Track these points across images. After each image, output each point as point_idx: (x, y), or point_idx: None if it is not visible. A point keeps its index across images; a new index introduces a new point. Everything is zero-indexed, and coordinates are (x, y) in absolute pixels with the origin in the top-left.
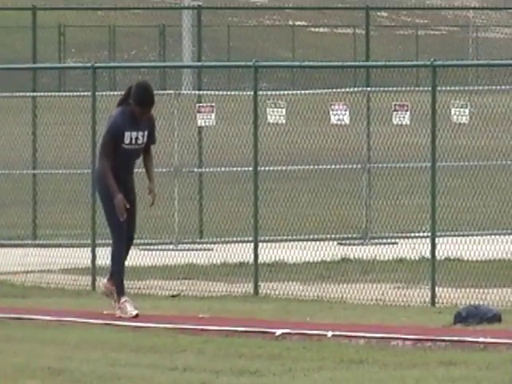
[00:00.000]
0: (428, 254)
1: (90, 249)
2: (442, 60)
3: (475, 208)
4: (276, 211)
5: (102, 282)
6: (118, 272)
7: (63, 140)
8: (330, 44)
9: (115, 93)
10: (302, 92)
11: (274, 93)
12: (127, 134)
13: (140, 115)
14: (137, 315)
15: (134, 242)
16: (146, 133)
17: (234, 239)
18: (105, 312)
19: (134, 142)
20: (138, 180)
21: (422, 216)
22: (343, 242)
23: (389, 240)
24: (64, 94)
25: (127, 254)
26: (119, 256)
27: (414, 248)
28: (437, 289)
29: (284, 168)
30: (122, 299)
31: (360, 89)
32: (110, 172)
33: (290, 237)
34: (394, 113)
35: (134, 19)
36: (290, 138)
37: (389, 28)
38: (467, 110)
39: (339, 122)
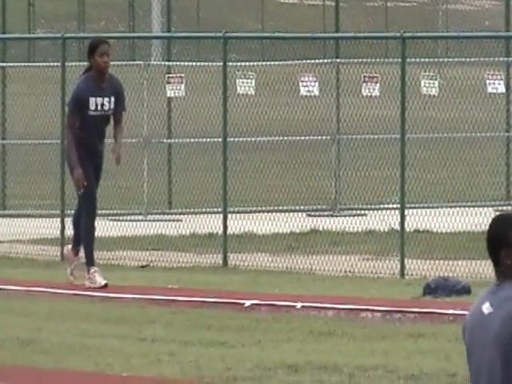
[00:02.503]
0: (397, 226)
1: (59, 219)
2: (412, 32)
3: (444, 180)
4: (245, 182)
5: (67, 247)
6: (87, 242)
7: (33, 111)
8: (300, 15)
9: (84, 63)
10: (272, 63)
11: (243, 64)
12: (92, 100)
13: (101, 61)
14: (106, 285)
15: (103, 212)
16: (112, 99)
17: (203, 210)
18: (74, 283)
19: (99, 108)
20: (107, 151)
21: (391, 188)
22: (312, 213)
23: (358, 212)
24: (33, 64)
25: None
26: (88, 226)
27: (383, 220)
28: (406, 261)
29: (253, 139)
30: (92, 269)
31: (329, 60)
32: (74, 142)
33: (259, 208)
34: (364, 84)
35: None
36: (259, 109)
37: (358, 0)
38: (437, 82)
39: (308, 94)
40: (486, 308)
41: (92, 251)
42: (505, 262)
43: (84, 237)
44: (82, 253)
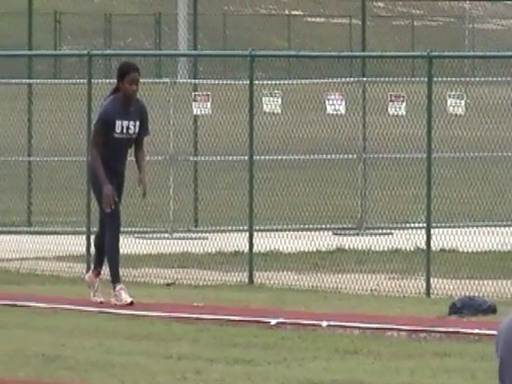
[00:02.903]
0: (423, 245)
1: (84, 236)
2: (438, 51)
3: (470, 199)
4: (271, 200)
5: (87, 274)
6: (112, 259)
7: (58, 127)
8: (326, 34)
9: (110, 80)
10: (298, 81)
11: (269, 82)
12: (118, 123)
13: (130, 87)
14: (131, 303)
15: (129, 229)
16: (137, 123)
17: (229, 228)
18: (99, 300)
19: (125, 131)
20: (131, 169)
21: (418, 207)
22: (338, 231)
23: (384, 230)
24: (59, 81)
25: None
26: (112, 243)
27: (409, 238)
28: (432, 280)
29: (279, 157)
30: (117, 286)
31: (356, 79)
32: (101, 161)
33: (285, 226)
34: (390, 103)
35: (129, 7)
36: (285, 127)
37: (385, 18)
38: (463, 101)
39: (335, 112)
40: None
41: (117, 268)
42: None
43: (109, 254)
44: (104, 271)
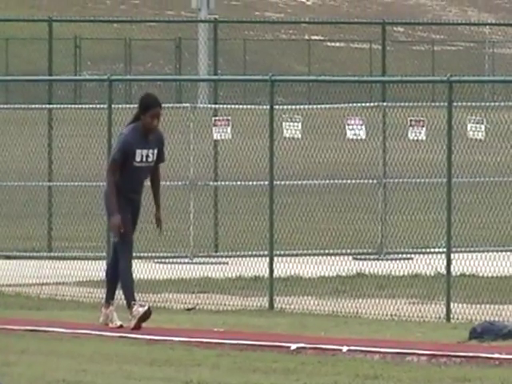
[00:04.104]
0: (443, 270)
1: (105, 261)
2: (458, 76)
3: (491, 224)
4: (291, 225)
5: (102, 312)
6: (125, 282)
7: (79, 152)
8: (346, 59)
9: (131, 106)
10: (318, 106)
11: (289, 107)
12: (138, 152)
13: (151, 122)
14: (121, 326)
15: (150, 254)
16: (155, 151)
17: (250, 253)
18: (119, 323)
19: (144, 159)
20: (149, 194)
21: (438, 231)
22: (358, 256)
23: (404, 255)
24: (80, 106)
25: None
26: (125, 267)
27: (429, 263)
28: (452, 304)
29: (300, 182)
30: (134, 307)
31: (376, 104)
32: (115, 190)
33: (305, 251)
34: (410, 128)
35: (150, 32)
36: (305, 152)
37: (405, 43)
38: (483, 126)
39: (355, 137)
40: None
41: (132, 293)
42: None
43: (122, 278)
44: (117, 295)
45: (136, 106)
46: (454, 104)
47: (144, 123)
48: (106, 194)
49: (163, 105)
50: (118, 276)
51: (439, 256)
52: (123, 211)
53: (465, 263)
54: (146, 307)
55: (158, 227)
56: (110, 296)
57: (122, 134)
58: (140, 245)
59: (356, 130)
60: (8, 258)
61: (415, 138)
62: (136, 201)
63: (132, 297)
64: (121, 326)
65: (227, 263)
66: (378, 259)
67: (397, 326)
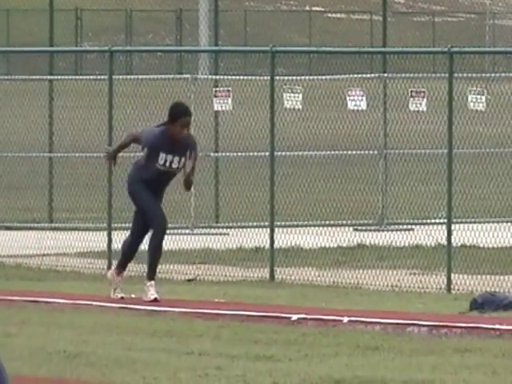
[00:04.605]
0: (444, 241)
1: (105, 232)
2: (459, 47)
3: (491, 195)
4: (292, 197)
5: (110, 271)
6: (154, 258)
7: (80, 124)
8: (347, 30)
9: (131, 77)
10: (319, 77)
11: (290, 78)
12: (162, 156)
13: (180, 132)
14: (156, 299)
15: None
16: (182, 159)
17: (250, 224)
18: (120, 295)
19: (167, 164)
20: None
21: (439, 203)
22: (359, 227)
23: (405, 226)
24: (81, 77)
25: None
26: (157, 243)
27: (430, 235)
28: (453, 275)
29: (300, 153)
30: (148, 283)
31: (377, 75)
32: (123, 145)
33: (306, 222)
34: (411, 99)
35: (150, 3)
36: (306, 123)
37: (406, 14)
38: (484, 97)
39: (356, 108)
40: None
41: (155, 268)
42: None
43: (153, 252)
44: (128, 267)
45: (137, 77)
46: (455, 75)
47: (173, 132)
48: (130, 179)
49: (164, 76)
50: (135, 251)
51: (440, 227)
52: (146, 190)
53: (465, 234)
54: (154, 297)
55: (187, 185)
56: (122, 267)
57: (148, 132)
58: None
59: (357, 101)
60: (9, 229)
61: (416, 109)
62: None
63: (153, 275)
64: (122, 298)
65: (228, 234)
66: (378, 230)
67: (397, 296)
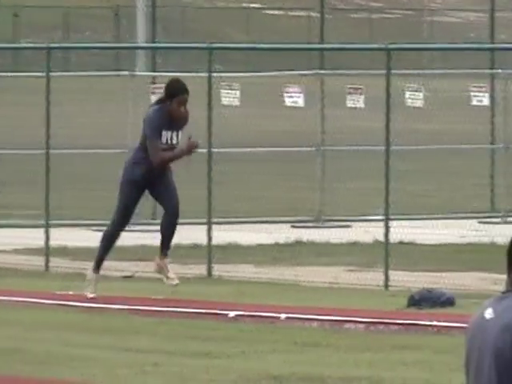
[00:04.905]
0: (381, 238)
1: (43, 229)
2: (397, 43)
3: (429, 192)
4: (230, 193)
5: (156, 261)
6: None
7: (17, 120)
8: (285, 27)
9: (69, 73)
10: (257, 74)
11: (228, 75)
12: (163, 134)
13: (177, 109)
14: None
15: (88, 222)
16: (179, 133)
17: (188, 221)
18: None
19: (168, 141)
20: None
21: (376, 199)
22: (297, 224)
23: (342, 223)
24: (18, 74)
25: (174, 228)
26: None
27: (367, 231)
28: (390, 272)
29: (238, 150)
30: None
31: (314, 71)
32: (164, 155)
33: (243, 219)
34: (348, 96)
35: (88, 0)
36: (244, 120)
37: (343, 11)
38: (421, 94)
39: (293, 105)
40: (488, 313)
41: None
42: None
43: (166, 231)
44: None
45: (74, 73)
46: (393, 72)
47: (170, 109)
48: (128, 166)
49: (102, 72)
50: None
51: (377, 224)
52: (135, 192)
53: (403, 231)
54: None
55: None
56: (164, 248)
57: (148, 115)
58: (78, 212)
59: (294, 98)
60: None
61: (353, 106)
62: (159, 177)
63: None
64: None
65: None
66: (316, 227)
67: (335, 293)
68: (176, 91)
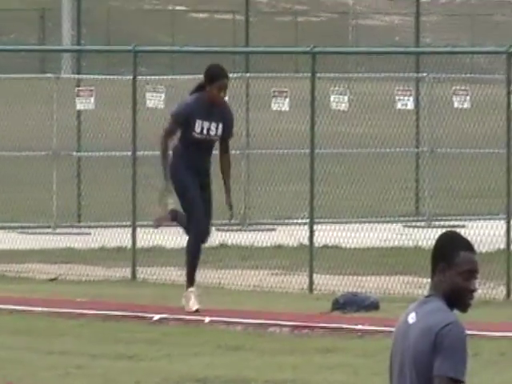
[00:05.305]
0: (306, 241)
1: None
2: (322, 47)
3: (353, 195)
4: (153, 196)
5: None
6: (193, 262)
7: None
8: (210, 29)
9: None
10: (182, 77)
11: (153, 77)
12: (199, 123)
13: (217, 94)
14: (197, 310)
15: (13, 224)
16: (219, 125)
17: (112, 224)
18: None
19: (205, 132)
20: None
21: (301, 203)
22: (222, 227)
23: (267, 226)
24: None
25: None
26: (195, 248)
27: (292, 235)
28: (315, 276)
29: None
30: (190, 289)
31: (239, 74)
32: (166, 155)
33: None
34: (273, 99)
35: (14, 2)
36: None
37: (268, 14)
38: (346, 97)
39: None
40: (411, 318)
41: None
42: (438, 276)
43: (190, 256)
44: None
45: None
46: (318, 75)
47: (210, 95)
48: (172, 172)
49: (27, 75)
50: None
51: (302, 227)
52: (192, 186)
53: (327, 234)
54: (195, 308)
55: (231, 211)
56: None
57: (184, 101)
58: (2, 215)
59: None
60: None
61: (278, 109)
62: (203, 178)
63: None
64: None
65: (90, 234)
66: (241, 230)
67: (259, 296)
68: (216, 76)
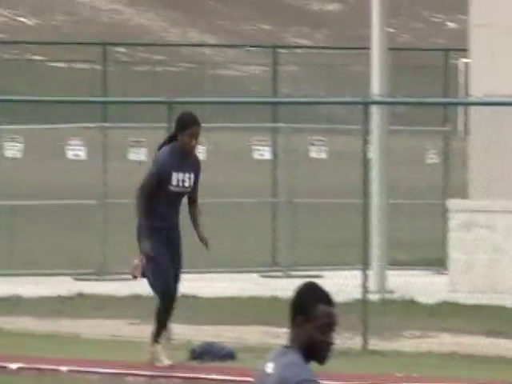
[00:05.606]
0: None
1: None
2: (180, 96)
3: (211, 245)
4: (9, 245)
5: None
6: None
7: None
8: (68, 79)
9: None
10: (40, 126)
11: (11, 127)
12: (174, 175)
13: (189, 142)
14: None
15: None
16: (192, 175)
17: None
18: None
19: (180, 184)
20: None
21: None
22: (79, 277)
23: (124, 276)
24: None
25: (175, 290)
26: (165, 316)
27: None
28: (172, 325)
29: (20, 203)
30: (158, 345)
31: (97, 124)
32: (145, 216)
33: (24, 271)
34: (131, 149)
35: None
36: (27, 172)
37: (127, 64)
38: (204, 147)
39: (76, 158)
40: (270, 368)
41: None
42: (296, 329)
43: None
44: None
45: None
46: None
47: (182, 143)
48: (139, 222)
49: None
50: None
51: None
52: (160, 247)
53: (185, 284)
54: (165, 363)
55: (205, 245)
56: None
57: (158, 155)
58: None
59: (77, 151)
60: None
61: (137, 159)
62: (174, 238)
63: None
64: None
65: None
66: (98, 279)
67: (116, 346)
68: (187, 124)
